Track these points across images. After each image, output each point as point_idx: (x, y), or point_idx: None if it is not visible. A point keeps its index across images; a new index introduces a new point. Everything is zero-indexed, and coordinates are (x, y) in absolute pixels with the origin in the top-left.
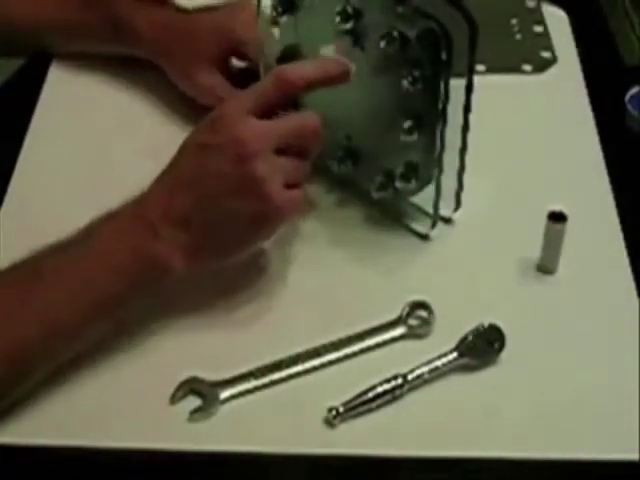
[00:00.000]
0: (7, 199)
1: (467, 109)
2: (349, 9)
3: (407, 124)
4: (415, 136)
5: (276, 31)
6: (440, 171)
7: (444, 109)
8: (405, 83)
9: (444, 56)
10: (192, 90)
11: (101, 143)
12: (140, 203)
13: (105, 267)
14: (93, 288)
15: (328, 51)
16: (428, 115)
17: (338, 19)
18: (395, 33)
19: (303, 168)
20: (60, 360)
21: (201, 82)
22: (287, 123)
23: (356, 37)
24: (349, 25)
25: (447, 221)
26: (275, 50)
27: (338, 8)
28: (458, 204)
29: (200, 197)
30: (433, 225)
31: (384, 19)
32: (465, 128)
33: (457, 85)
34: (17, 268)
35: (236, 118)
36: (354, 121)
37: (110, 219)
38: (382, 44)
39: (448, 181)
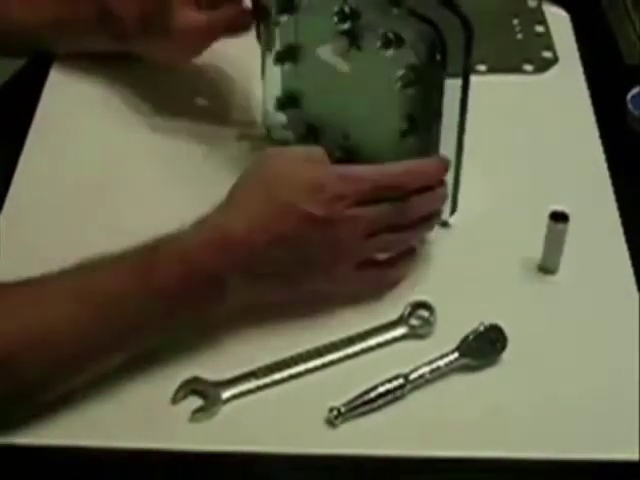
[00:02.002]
0: (8, 202)
1: (463, 111)
2: (346, 9)
3: (403, 125)
4: (412, 137)
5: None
6: None
7: (439, 111)
8: (400, 84)
9: (438, 58)
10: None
11: (103, 145)
12: (202, 244)
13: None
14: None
15: (325, 51)
16: (423, 116)
17: (336, 19)
18: (390, 34)
19: (401, 239)
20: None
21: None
22: (390, 209)
23: (353, 37)
24: (346, 25)
25: (444, 225)
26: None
27: (336, 8)
28: (454, 207)
29: (286, 260)
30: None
31: (380, 20)
32: (461, 130)
33: (454, 86)
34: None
35: (348, 210)
36: (352, 121)
37: (171, 253)
38: (378, 45)
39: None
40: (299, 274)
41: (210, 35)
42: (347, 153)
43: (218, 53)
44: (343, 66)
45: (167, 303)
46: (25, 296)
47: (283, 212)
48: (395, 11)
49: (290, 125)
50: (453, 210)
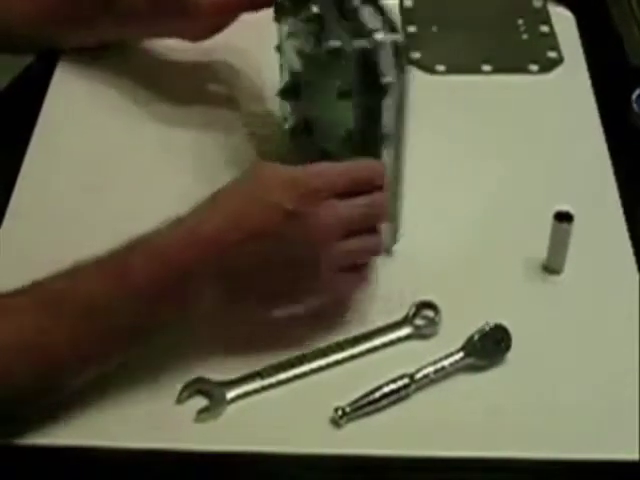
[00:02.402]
0: (12, 203)
1: (399, 130)
2: (314, 10)
3: (347, 140)
4: (359, 154)
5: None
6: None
7: (380, 133)
8: (337, 94)
9: (377, 77)
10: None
11: (109, 144)
12: (178, 241)
13: (131, 302)
14: (113, 323)
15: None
16: (367, 136)
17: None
18: (337, 44)
19: (374, 244)
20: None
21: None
22: (362, 205)
23: (318, 40)
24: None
25: (387, 252)
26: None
27: (305, 13)
28: (394, 239)
29: (262, 257)
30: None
31: (338, 36)
32: (397, 157)
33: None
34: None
35: (325, 198)
36: (333, 135)
37: (146, 252)
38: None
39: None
40: (279, 273)
41: (228, 10)
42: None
43: (227, 43)
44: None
45: (146, 303)
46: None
47: (255, 207)
48: (346, 25)
49: (290, 115)
50: (392, 242)
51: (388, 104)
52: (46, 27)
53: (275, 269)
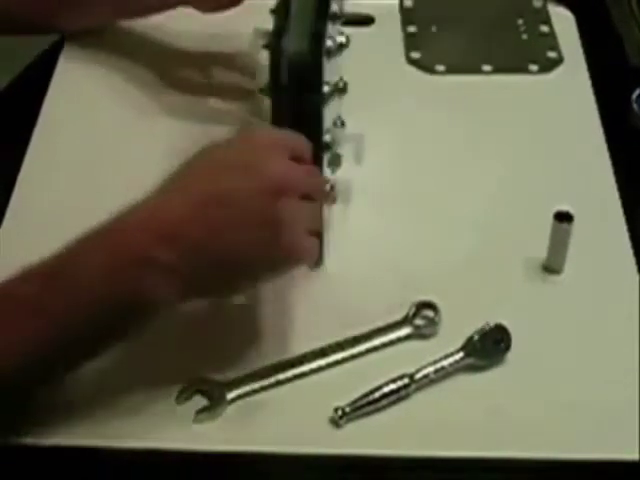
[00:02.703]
0: (12, 203)
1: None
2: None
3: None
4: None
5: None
6: None
7: (320, 142)
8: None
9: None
10: None
11: (109, 142)
12: (129, 226)
13: (78, 304)
14: (61, 329)
15: None
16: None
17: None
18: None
19: (319, 216)
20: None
21: None
22: (313, 170)
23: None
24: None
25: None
26: None
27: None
28: (319, 257)
29: (215, 227)
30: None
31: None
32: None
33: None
34: None
35: (271, 149)
36: None
37: (91, 245)
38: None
39: None
40: (240, 235)
41: None
42: None
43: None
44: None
45: (106, 287)
46: None
47: (205, 175)
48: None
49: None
50: (317, 264)
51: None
52: (45, 6)
53: (235, 232)
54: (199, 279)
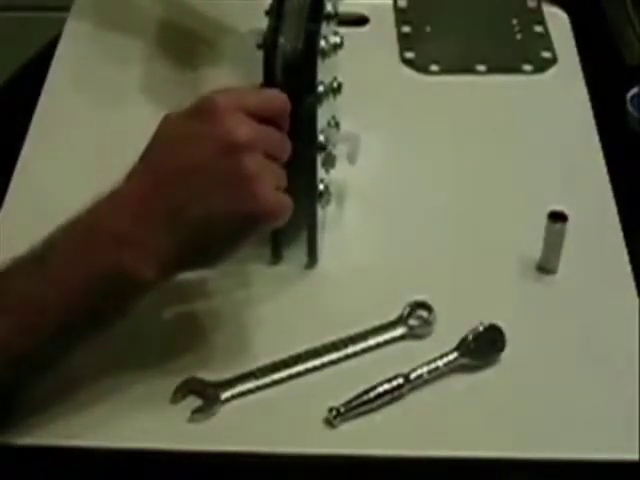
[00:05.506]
0: (7, 199)
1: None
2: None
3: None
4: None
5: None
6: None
7: (314, 142)
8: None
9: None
10: None
11: (106, 136)
12: (102, 208)
13: (60, 291)
14: (48, 317)
15: None
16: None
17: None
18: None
19: (284, 175)
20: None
21: None
22: (274, 130)
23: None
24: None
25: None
26: None
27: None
28: (312, 258)
29: (184, 195)
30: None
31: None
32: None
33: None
34: None
35: (229, 110)
36: None
37: (67, 231)
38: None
39: None
40: (212, 201)
41: None
42: None
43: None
44: None
45: (86, 268)
46: None
47: (166, 141)
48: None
49: None
50: (311, 262)
51: None
52: None
53: (206, 198)
54: (175, 252)
